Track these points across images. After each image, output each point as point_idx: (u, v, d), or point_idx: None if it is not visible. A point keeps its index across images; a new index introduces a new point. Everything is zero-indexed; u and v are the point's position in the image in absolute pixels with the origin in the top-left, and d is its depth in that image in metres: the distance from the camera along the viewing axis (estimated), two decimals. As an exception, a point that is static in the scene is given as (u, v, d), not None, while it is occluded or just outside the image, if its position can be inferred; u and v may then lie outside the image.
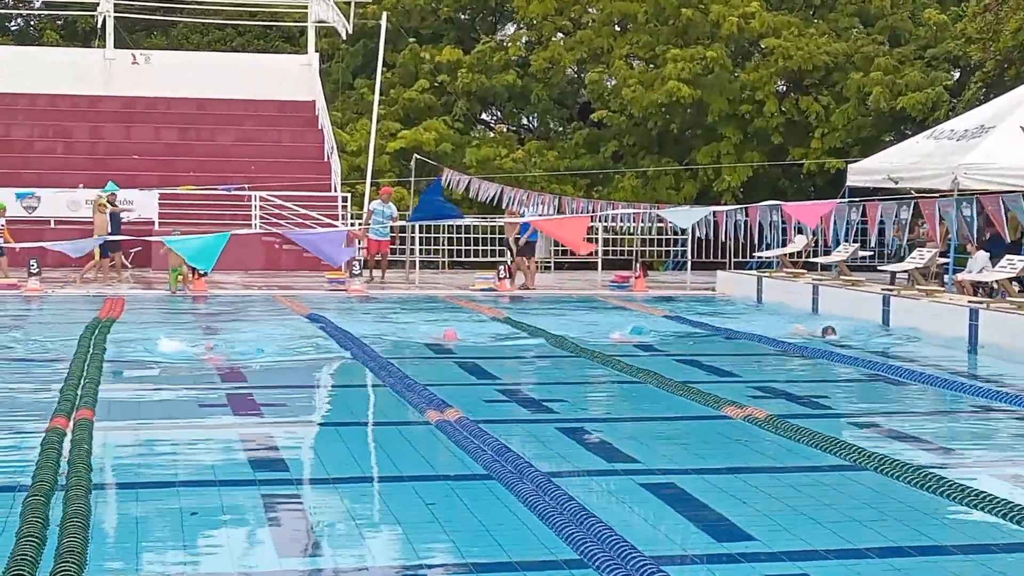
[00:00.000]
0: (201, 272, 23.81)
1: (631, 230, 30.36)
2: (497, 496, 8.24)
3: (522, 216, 25.30)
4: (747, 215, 23.39)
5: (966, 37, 30.56)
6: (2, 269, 24.07)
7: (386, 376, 13.18)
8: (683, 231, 28.75)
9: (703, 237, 27.07)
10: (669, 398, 12.37)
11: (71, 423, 10.23)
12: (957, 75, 33.13)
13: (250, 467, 9.10)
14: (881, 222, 21.18)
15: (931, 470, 8.85)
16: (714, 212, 22.02)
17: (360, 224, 27.52)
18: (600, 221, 27.38)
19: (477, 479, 8.73)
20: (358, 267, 24.93)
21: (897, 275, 23.48)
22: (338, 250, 15.69)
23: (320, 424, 11.41)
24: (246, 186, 28.11)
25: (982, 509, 7.88)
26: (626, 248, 31.18)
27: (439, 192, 25.03)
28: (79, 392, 11.72)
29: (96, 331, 16.62)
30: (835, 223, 21.45)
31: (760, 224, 22.24)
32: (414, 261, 27.40)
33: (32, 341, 16.36)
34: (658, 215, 23.73)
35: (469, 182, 27.38)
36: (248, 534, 7.42)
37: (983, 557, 7.10)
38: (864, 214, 21.56)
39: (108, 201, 24.83)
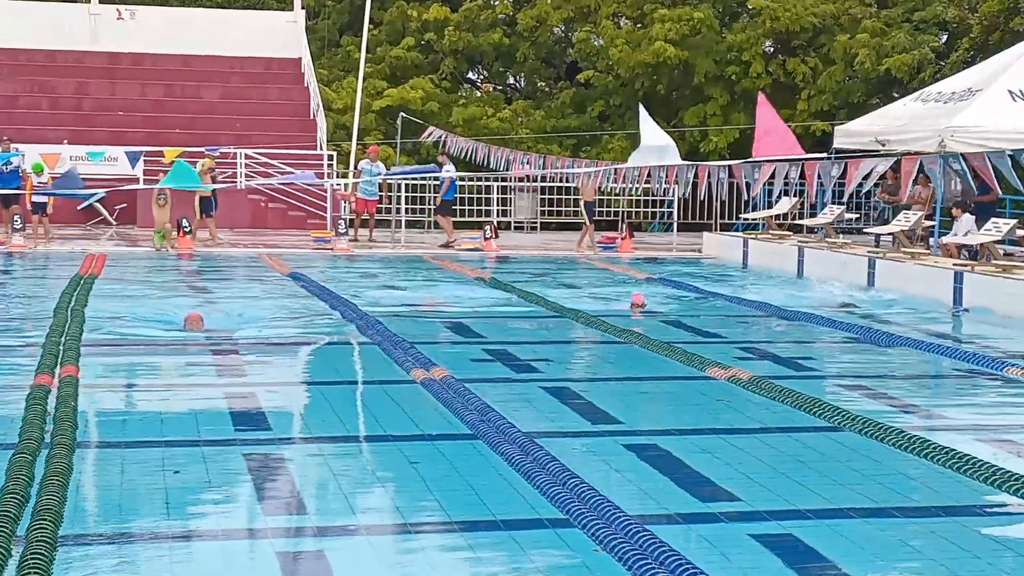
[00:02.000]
0: (186, 230, 23.75)
1: (616, 191, 30.31)
2: (483, 455, 8.24)
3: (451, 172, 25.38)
4: (731, 174, 23.33)
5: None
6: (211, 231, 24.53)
7: (373, 334, 13.17)
8: (666, 192, 28.67)
9: (683, 197, 27.00)
10: (653, 359, 12.39)
11: (55, 380, 10.20)
12: (945, 38, 33.04)
13: (233, 426, 9.08)
14: (864, 183, 21.12)
15: (912, 432, 8.87)
16: (696, 169, 21.82)
17: (348, 183, 27.41)
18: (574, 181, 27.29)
19: (462, 438, 8.73)
20: (344, 226, 24.86)
21: (882, 238, 23.49)
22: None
23: (303, 383, 11.39)
24: (231, 148, 27.98)
25: (964, 472, 7.91)
26: (612, 209, 31.15)
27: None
28: (61, 349, 11.69)
29: (78, 288, 16.56)
30: (818, 181, 21.36)
31: (747, 184, 22.14)
32: (400, 220, 27.32)
33: (13, 298, 16.29)
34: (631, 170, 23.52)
35: (455, 141, 27.23)
36: (231, 493, 7.40)
37: (964, 519, 7.12)
38: (844, 175, 21.52)
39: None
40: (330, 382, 11.20)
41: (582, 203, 26.01)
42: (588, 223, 25.63)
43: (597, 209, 27.53)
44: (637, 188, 26.70)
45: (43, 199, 23.80)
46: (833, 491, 7.59)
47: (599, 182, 24.25)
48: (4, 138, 25.68)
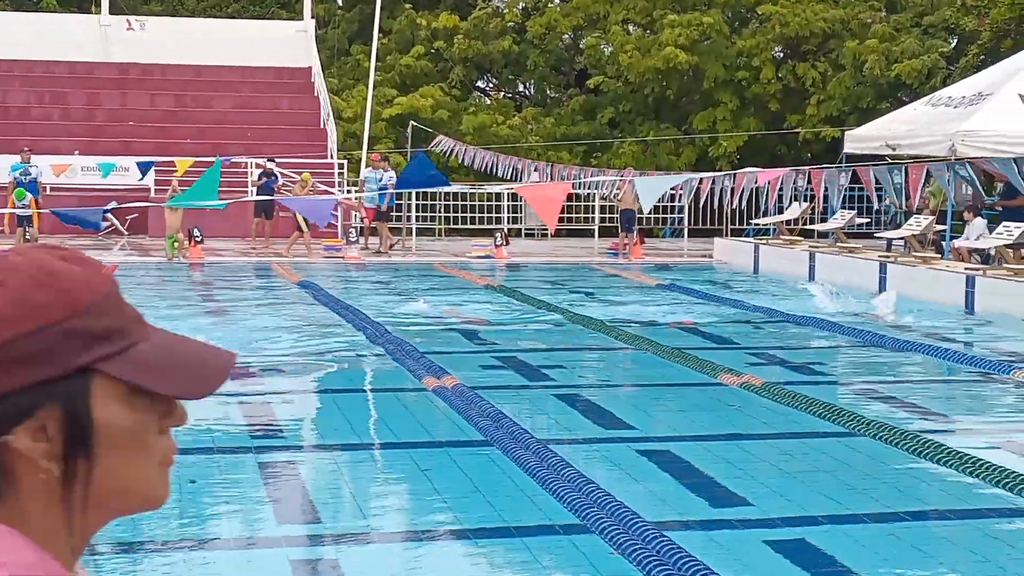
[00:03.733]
0: (197, 239, 23.80)
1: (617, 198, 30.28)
2: (494, 462, 8.25)
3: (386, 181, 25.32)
4: (734, 182, 23.30)
5: (963, 3, 30.46)
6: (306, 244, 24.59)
7: (383, 343, 13.18)
8: (678, 197, 28.64)
9: (687, 205, 26.98)
10: (665, 365, 12.39)
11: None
12: (954, 42, 33.02)
13: (247, 434, 9.10)
14: (879, 187, 21.13)
15: (925, 436, 8.86)
16: (700, 180, 21.82)
17: (356, 192, 27.40)
18: (592, 189, 27.25)
19: (474, 445, 8.74)
20: (354, 234, 24.89)
21: (893, 242, 23.46)
22: (324, 211, 15.80)
23: (316, 391, 11.40)
24: (243, 156, 28.00)
25: (977, 476, 7.89)
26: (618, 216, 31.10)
27: (426, 166, 25.01)
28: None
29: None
30: (826, 189, 21.37)
31: (755, 190, 22.11)
32: (410, 228, 27.35)
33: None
34: (625, 188, 23.43)
35: (464, 150, 27.25)
36: (246, 501, 7.42)
37: (978, 523, 7.11)
38: (855, 180, 21.49)
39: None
40: (341, 390, 11.21)
41: (619, 211, 25.92)
42: (625, 231, 25.56)
43: (605, 215, 27.47)
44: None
45: (27, 212, 23.61)
46: (847, 496, 7.58)
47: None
48: (25, 149, 25.79)
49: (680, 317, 16.32)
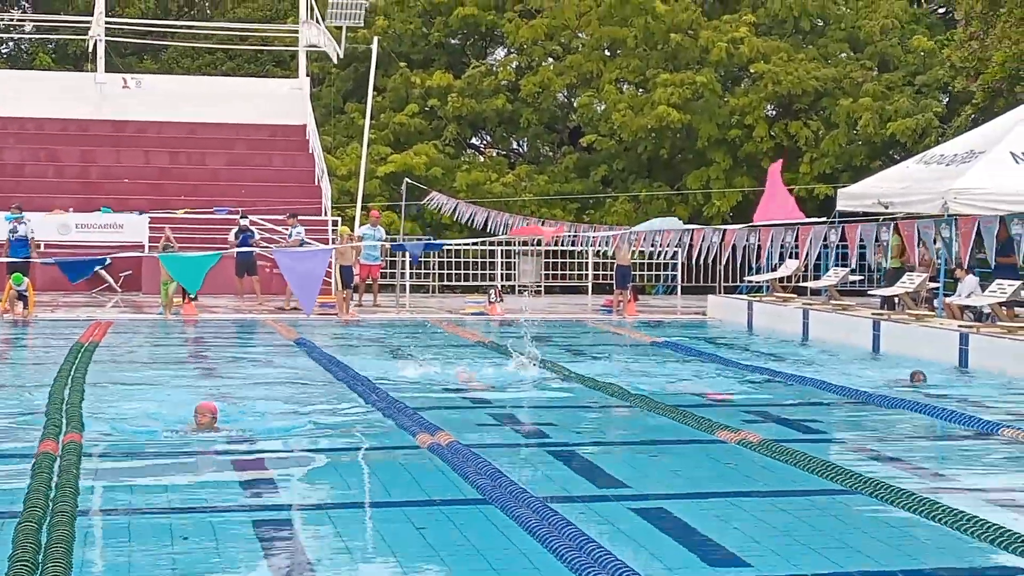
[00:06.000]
0: (191, 296, 23.81)
1: (612, 254, 30.37)
2: (490, 520, 8.24)
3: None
4: (723, 238, 23.33)
5: (952, 65, 30.73)
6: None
7: (376, 400, 13.18)
8: (672, 255, 28.73)
9: (684, 261, 27.01)
10: (662, 422, 12.40)
11: (59, 447, 10.21)
12: (946, 101, 33.28)
13: (240, 492, 9.08)
14: (862, 244, 21.18)
15: (920, 494, 8.86)
16: (691, 234, 21.83)
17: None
18: (586, 245, 27.34)
19: (469, 503, 8.73)
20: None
21: (886, 300, 23.51)
22: (313, 293, 15.05)
23: (309, 450, 11.36)
24: (240, 210, 28.05)
25: (974, 535, 7.89)
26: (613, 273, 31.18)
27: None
28: (63, 417, 11.73)
29: (79, 356, 16.63)
30: (810, 244, 21.32)
31: (756, 247, 22.10)
32: (404, 285, 27.42)
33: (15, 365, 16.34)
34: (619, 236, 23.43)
35: (457, 206, 27.34)
36: (239, 561, 7.40)
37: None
38: (844, 237, 21.56)
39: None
40: (335, 449, 11.18)
41: (615, 267, 25.95)
42: (620, 287, 25.55)
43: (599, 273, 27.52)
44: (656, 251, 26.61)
45: (23, 291, 23.33)
46: (842, 554, 7.58)
47: (638, 246, 24.08)
48: (14, 206, 25.88)
49: (675, 375, 16.32)
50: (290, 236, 25.67)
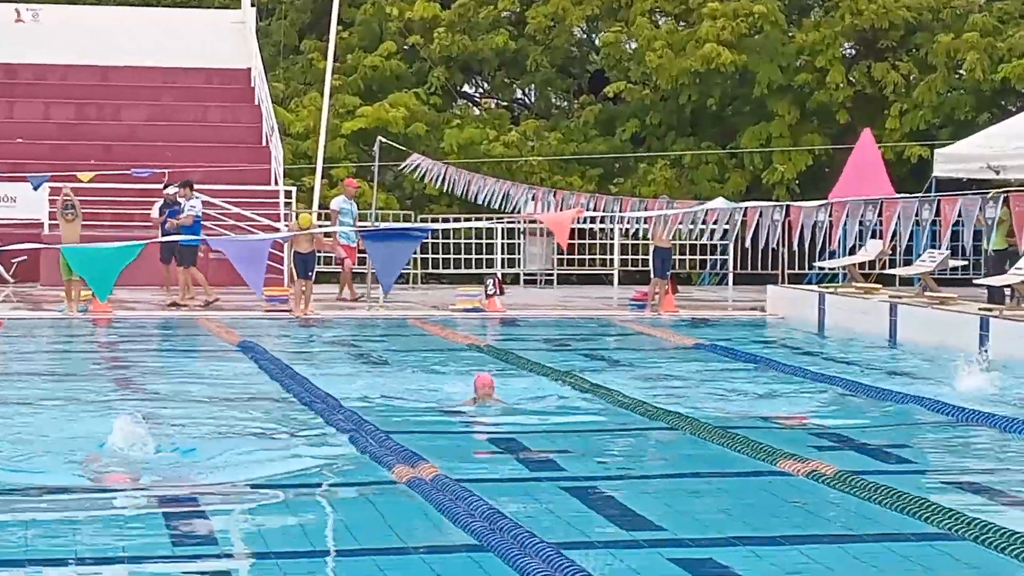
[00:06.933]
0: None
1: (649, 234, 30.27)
2: (486, 571, 8.26)
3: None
4: (787, 214, 23.25)
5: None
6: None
7: (341, 422, 13.18)
8: (723, 234, 28.68)
9: (732, 245, 26.96)
10: (709, 449, 12.41)
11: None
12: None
13: (171, 540, 9.09)
14: (958, 222, 21.13)
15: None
16: (745, 210, 21.78)
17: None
18: (615, 223, 27.29)
19: (458, 550, 8.74)
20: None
21: (995, 291, 23.46)
22: (260, 268, 14.91)
23: (256, 486, 11.36)
24: (165, 172, 27.95)
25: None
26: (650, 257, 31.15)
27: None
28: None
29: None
30: (898, 221, 21.24)
31: (828, 224, 22.06)
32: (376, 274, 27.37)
33: None
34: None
35: (445, 171, 27.14)
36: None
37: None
38: (938, 212, 21.51)
39: None
40: (289, 485, 11.18)
41: (652, 250, 25.78)
42: (658, 276, 25.42)
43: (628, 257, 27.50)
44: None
45: None
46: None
47: (674, 223, 23.96)
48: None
49: (725, 388, 16.32)
50: (183, 211, 25.16)
